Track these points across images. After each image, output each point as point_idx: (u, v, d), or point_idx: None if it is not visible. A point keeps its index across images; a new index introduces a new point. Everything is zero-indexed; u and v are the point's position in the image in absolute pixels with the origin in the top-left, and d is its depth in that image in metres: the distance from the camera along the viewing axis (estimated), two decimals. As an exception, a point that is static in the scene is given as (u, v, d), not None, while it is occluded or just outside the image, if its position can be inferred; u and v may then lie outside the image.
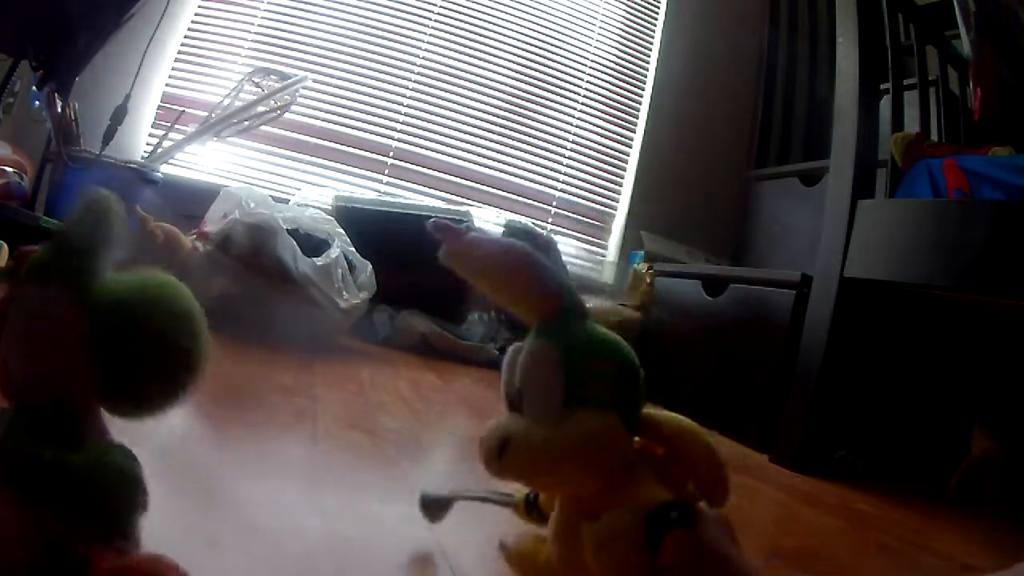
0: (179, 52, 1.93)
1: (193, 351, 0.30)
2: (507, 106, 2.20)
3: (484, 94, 2.18)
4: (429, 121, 2.12)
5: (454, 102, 2.15)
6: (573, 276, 1.93)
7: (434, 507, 0.46)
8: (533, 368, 0.31)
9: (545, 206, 2.23)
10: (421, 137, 2.11)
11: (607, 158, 2.31)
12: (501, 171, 2.18)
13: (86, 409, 0.29)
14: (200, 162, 1.90)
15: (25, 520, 0.25)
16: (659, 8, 2.38)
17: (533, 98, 2.23)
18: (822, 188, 1.73)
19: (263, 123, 1.78)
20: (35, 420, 0.28)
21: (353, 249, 1.32)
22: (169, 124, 1.74)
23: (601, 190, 2.30)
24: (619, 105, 2.33)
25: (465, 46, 2.17)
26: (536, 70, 2.24)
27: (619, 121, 2.33)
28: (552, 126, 2.25)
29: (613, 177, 2.31)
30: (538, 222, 2.12)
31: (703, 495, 0.32)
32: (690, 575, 0.30)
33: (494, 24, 2.21)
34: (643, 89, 2.36)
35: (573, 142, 2.27)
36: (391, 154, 2.08)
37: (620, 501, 0.30)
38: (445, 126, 2.14)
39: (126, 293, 0.29)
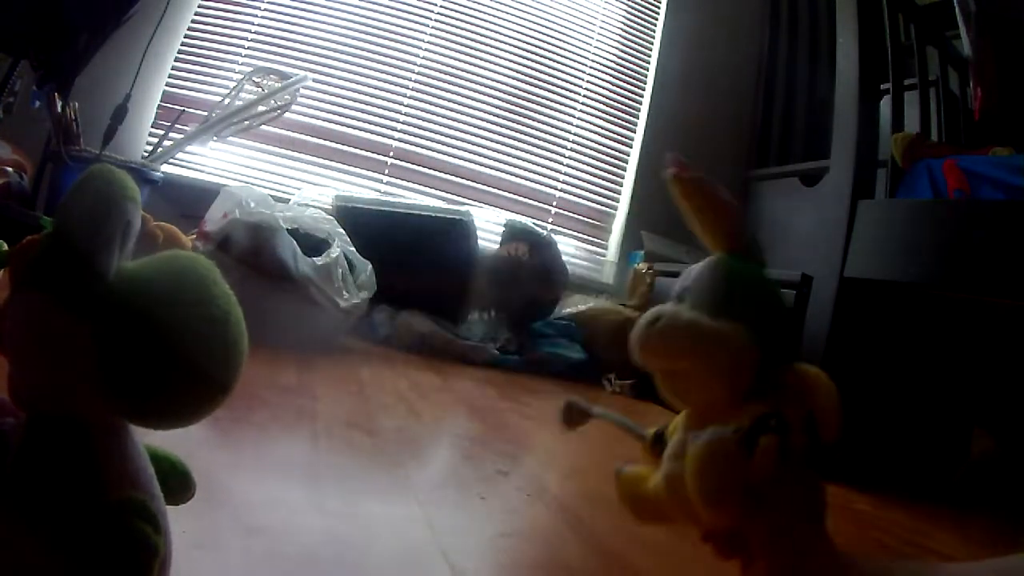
0: (179, 52, 1.93)
1: (218, 363, 0.26)
2: (507, 106, 2.20)
3: (484, 94, 2.18)
4: (429, 121, 2.12)
5: (454, 102, 2.15)
6: (573, 276, 1.93)
7: (575, 414, 0.49)
8: (706, 270, 0.40)
9: (545, 206, 2.23)
10: (421, 137, 2.11)
11: (607, 158, 2.31)
12: (501, 171, 2.18)
13: (100, 421, 0.26)
14: (200, 162, 1.90)
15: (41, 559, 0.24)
16: (659, 8, 2.38)
17: (533, 98, 2.23)
18: (822, 188, 1.73)
19: (263, 123, 1.78)
20: (50, 430, 0.26)
21: (353, 249, 1.32)
22: (169, 124, 1.74)
23: (601, 190, 2.30)
24: (619, 105, 2.33)
25: (465, 46, 2.17)
26: (536, 70, 2.24)
27: (619, 121, 2.33)
28: (552, 126, 2.25)
29: (613, 177, 2.31)
30: (538, 222, 2.11)
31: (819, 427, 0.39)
32: (776, 502, 0.35)
33: (494, 24, 2.21)
34: (643, 89, 2.36)
35: (573, 142, 2.27)
36: (391, 154, 2.08)
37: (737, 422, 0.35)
38: (445, 126, 2.14)
39: (137, 295, 0.26)
